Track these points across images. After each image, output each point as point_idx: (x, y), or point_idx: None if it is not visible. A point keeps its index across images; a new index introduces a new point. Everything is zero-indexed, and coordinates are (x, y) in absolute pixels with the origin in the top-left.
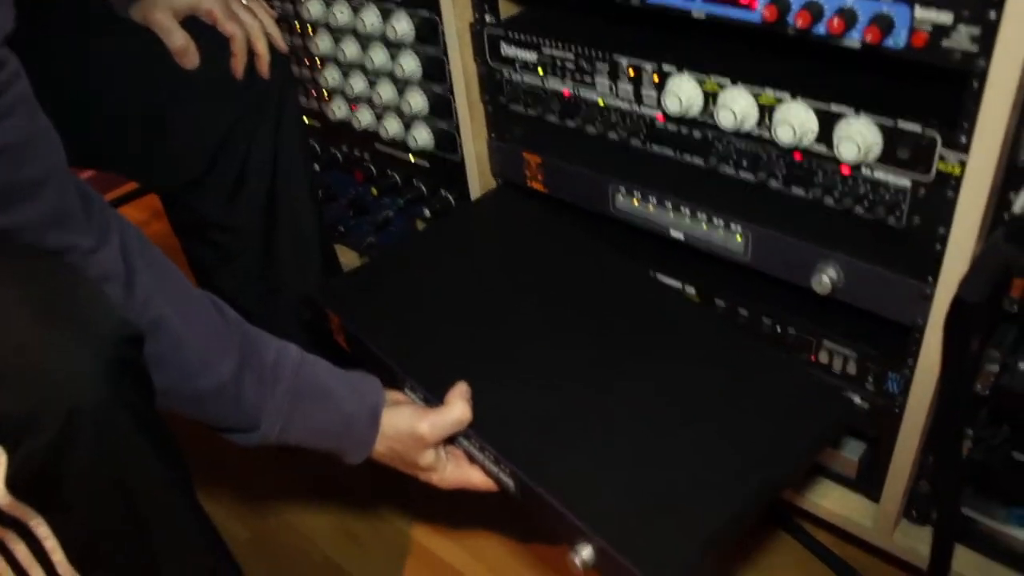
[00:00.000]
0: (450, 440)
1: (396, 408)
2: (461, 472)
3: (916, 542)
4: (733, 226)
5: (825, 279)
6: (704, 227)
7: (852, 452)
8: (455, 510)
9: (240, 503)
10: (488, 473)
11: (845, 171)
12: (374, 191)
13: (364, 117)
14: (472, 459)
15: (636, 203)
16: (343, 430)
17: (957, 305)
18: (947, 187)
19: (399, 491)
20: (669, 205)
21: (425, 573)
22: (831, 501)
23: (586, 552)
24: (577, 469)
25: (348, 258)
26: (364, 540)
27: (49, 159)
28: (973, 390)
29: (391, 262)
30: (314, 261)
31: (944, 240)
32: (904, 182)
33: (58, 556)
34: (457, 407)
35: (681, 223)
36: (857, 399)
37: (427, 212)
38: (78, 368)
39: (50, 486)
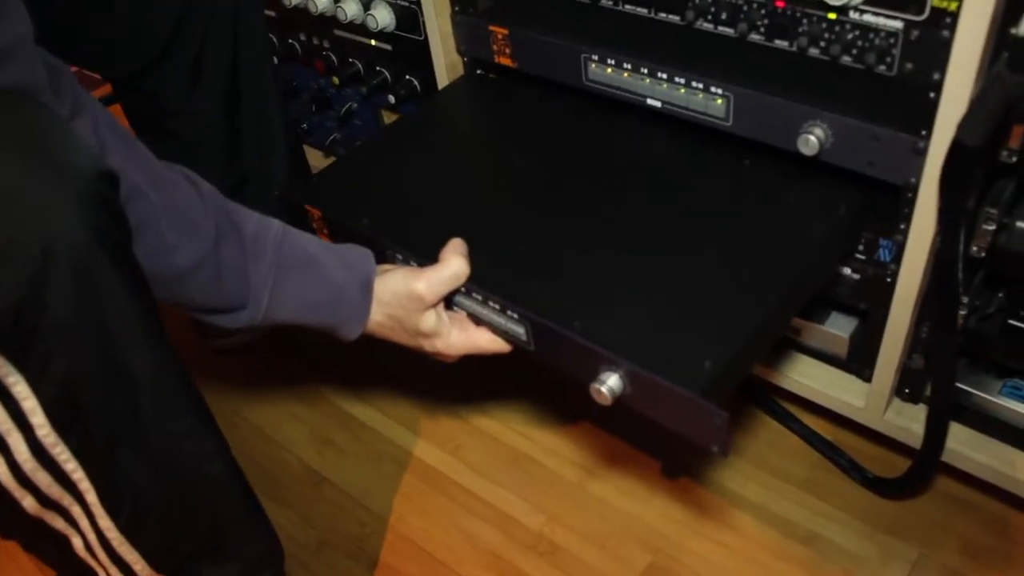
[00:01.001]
0: (450, 305)
1: (389, 273)
2: (467, 335)
3: (908, 421)
4: (714, 89)
5: (812, 139)
6: (682, 92)
7: (842, 329)
8: (434, 411)
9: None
10: (495, 329)
11: (831, 17)
12: (335, 81)
13: (321, 0)
14: (477, 319)
15: (610, 71)
16: (334, 301)
17: (956, 150)
18: (942, 26)
19: (374, 394)
20: (645, 71)
21: (407, 477)
22: (819, 382)
23: (612, 380)
24: (588, 302)
25: (313, 158)
26: (342, 445)
27: (14, 28)
28: (969, 252)
29: (364, 155)
30: (279, 151)
31: (939, 87)
32: (895, 24)
33: (38, 418)
34: (453, 261)
35: (658, 90)
36: (847, 271)
37: (392, 99)
38: (52, 200)
39: (28, 333)
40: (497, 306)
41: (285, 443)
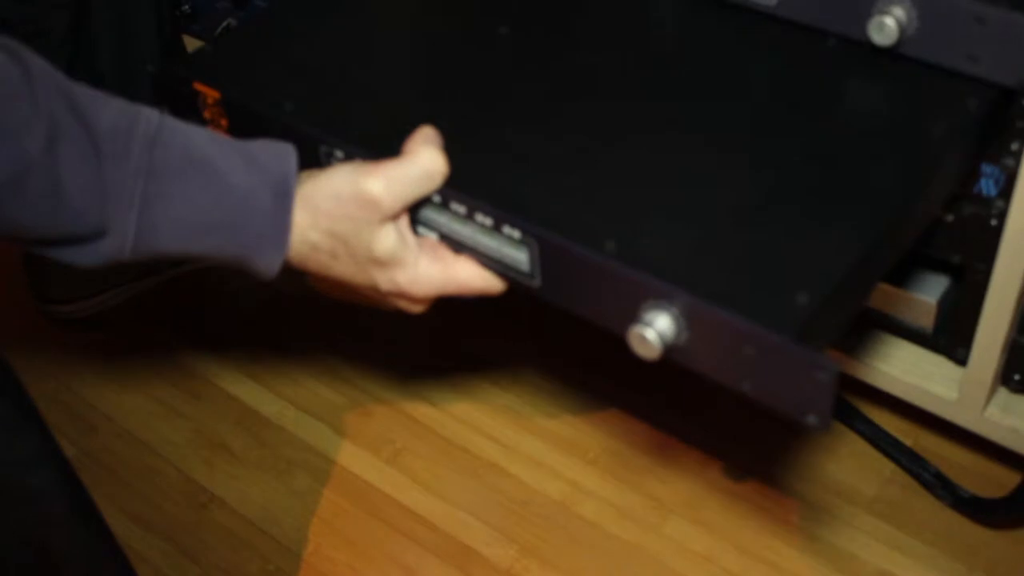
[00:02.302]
0: (415, 227)
1: (326, 172)
2: (442, 266)
3: (1019, 419)
4: None
5: (889, 23)
6: None
7: (927, 292)
8: (364, 402)
9: (60, 409)
10: (483, 256)
11: None
12: None
13: None
14: (456, 245)
15: None
16: (237, 216)
17: None
18: None
19: (280, 379)
20: None
21: (327, 493)
22: (896, 366)
23: (662, 321)
24: (619, 214)
25: None
26: (237, 450)
27: None
28: None
29: (276, 19)
30: (148, 42)
31: None
32: None
33: None
34: (422, 154)
35: None
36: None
37: None
38: None
39: None
40: (489, 221)
41: (159, 448)
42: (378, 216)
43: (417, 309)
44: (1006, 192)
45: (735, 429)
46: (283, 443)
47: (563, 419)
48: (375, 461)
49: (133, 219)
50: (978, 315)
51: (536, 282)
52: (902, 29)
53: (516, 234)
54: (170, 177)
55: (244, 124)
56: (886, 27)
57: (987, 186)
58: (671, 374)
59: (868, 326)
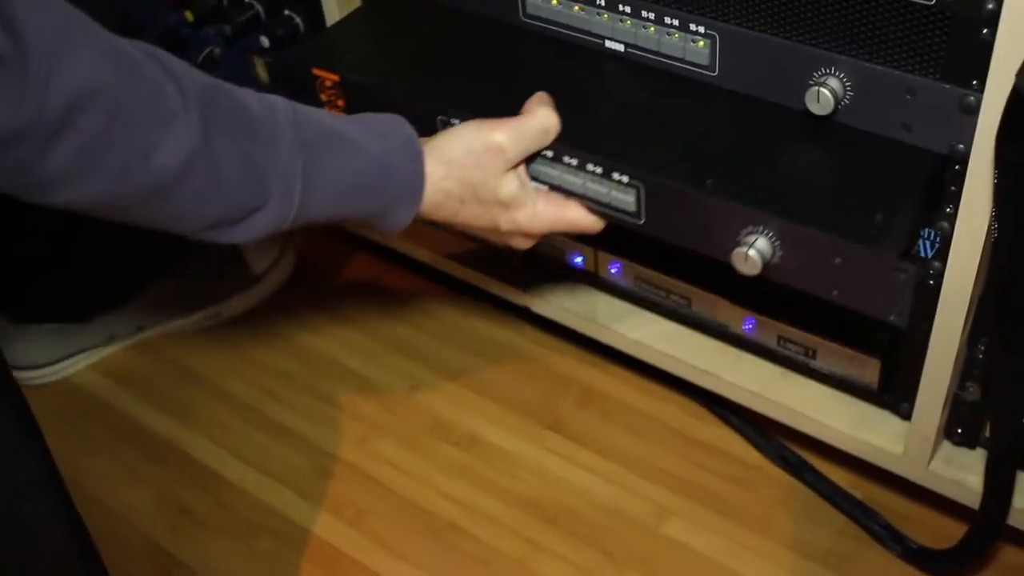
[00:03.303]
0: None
1: (455, 129)
2: (555, 208)
3: (962, 471)
4: (694, 27)
5: (825, 94)
6: (652, 31)
7: (872, 349)
8: (325, 462)
9: None
10: (592, 201)
11: None
12: (189, 17)
13: None
14: (567, 191)
15: (556, 3)
16: (381, 177)
17: (1018, 104)
18: None
19: (242, 442)
20: (602, 3)
21: (291, 557)
22: (843, 421)
23: (760, 242)
24: (709, 165)
25: None
26: (201, 515)
27: None
28: None
29: (370, 17)
30: None
31: (994, 20)
32: None
33: None
34: (540, 112)
35: (620, 28)
36: None
37: (265, 42)
38: None
39: None
40: (599, 170)
41: (123, 513)
42: (503, 164)
43: (528, 245)
44: (942, 253)
45: (689, 485)
46: (246, 506)
47: (519, 477)
48: (337, 523)
49: (297, 192)
50: (920, 372)
51: (641, 220)
52: (836, 99)
53: (624, 179)
54: (320, 150)
55: (361, 103)
56: (822, 97)
57: (924, 248)
58: (624, 434)
59: (816, 382)
